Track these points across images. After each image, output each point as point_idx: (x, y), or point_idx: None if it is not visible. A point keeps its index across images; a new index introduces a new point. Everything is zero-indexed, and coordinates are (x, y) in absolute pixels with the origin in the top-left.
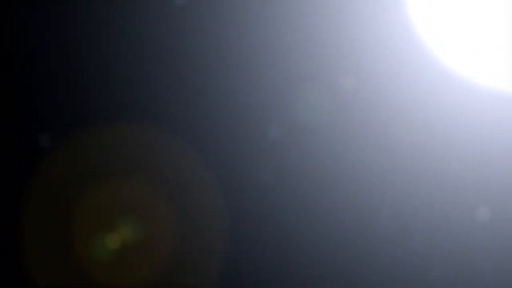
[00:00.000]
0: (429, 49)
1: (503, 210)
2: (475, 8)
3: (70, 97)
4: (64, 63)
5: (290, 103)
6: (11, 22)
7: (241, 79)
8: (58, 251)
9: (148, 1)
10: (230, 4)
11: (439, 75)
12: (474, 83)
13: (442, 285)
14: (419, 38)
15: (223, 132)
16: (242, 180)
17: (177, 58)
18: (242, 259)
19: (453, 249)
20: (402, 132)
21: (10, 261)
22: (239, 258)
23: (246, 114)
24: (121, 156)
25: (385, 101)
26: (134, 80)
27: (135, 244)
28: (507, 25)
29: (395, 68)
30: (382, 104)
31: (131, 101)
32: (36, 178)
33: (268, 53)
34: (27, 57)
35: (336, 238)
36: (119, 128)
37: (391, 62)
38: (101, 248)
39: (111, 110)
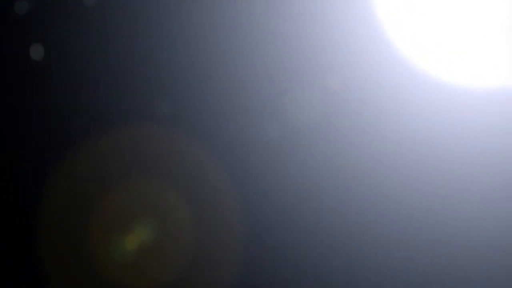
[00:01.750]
0: (401, 48)
1: (482, 208)
2: (445, 9)
3: (89, 99)
4: (87, 65)
5: (276, 105)
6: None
7: (237, 80)
8: (76, 252)
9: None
10: (220, 8)
11: (412, 75)
12: (447, 82)
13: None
14: (394, 39)
15: (231, 131)
16: (256, 180)
17: (176, 61)
18: (257, 261)
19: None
20: (382, 131)
21: (28, 262)
22: (254, 259)
23: (247, 115)
24: (137, 158)
25: (363, 100)
26: (139, 83)
27: (153, 246)
28: (474, 25)
29: (369, 69)
30: (361, 104)
31: (144, 102)
32: (54, 179)
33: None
34: (49, 60)
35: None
36: (135, 130)
37: (366, 62)
38: (119, 250)
39: (128, 112)
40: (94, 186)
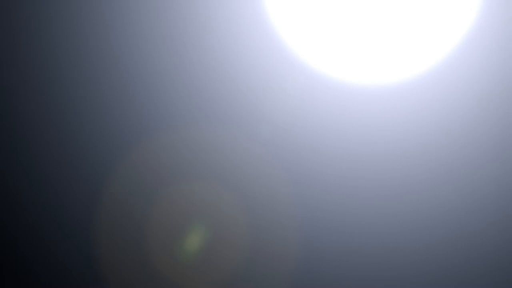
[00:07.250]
0: (288, 45)
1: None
2: (335, 5)
3: (139, 101)
4: (135, 68)
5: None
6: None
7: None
8: (135, 252)
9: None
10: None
11: (299, 71)
12: (335, 79)
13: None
14: (280, 35)
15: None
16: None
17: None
18: (314, 260)
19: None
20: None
21: (85, 264)
22: (311, 258)
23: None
24: (191, 159)
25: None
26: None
27: (209, 247)
28: (364, 21)
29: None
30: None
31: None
32: (112, 180)
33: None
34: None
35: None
36: (188, 131)
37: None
38: (178, 250)
39: (179, 113)
40: (153, 187)
